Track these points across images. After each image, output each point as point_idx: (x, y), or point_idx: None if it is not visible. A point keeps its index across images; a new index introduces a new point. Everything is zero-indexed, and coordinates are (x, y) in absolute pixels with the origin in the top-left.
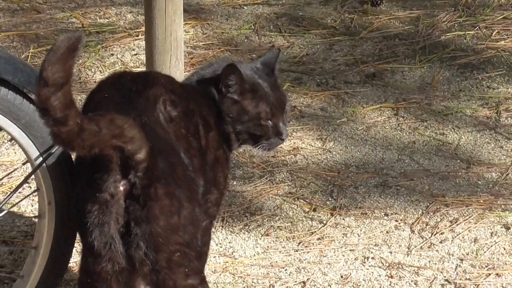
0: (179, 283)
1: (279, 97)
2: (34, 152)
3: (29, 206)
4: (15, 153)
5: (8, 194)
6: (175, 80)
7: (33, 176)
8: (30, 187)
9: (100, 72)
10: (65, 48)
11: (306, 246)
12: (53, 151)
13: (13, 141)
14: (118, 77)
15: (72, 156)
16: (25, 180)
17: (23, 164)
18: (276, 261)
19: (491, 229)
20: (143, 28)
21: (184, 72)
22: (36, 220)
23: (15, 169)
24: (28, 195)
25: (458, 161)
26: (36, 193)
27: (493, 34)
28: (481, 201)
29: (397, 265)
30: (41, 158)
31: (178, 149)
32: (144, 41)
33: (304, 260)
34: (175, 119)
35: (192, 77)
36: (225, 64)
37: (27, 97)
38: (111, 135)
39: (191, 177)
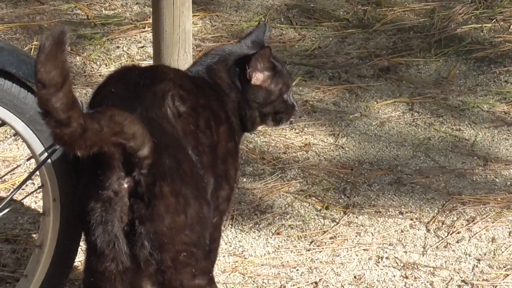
0: (186, 283)
1: (285, 68)
2: (38, 148)
3: (32, 203)
4: (18, 148)
5: (11, 191)
6: (184, 74)
7: (37, 172)
8: (34, 183)
9: (106, 65)
10: (52, 45)
11: (318, 246)
12: (58, 146)
13: (17, 136)
14: (126, 71)
15: None
16: (30, 177)
17: (27, 159)
18: (287, 261)
19: (509, 228)
20: (150, 20)
21: None
22: (41, 217)
23: (19, 165)
24: (32, 192)
25: (475, 158)
26: (41, 189)
27: (511, 27)
28: (499, 199)
29: (412, 265)
30: (46, 154)
31: (185, 145)
32: (151, 34)
33: (316, 259)
34: (183, 114)
35: (198, 67)
36: (245, 53)
37: (31, 90)
38: (111, 133)
39: (199, 174)
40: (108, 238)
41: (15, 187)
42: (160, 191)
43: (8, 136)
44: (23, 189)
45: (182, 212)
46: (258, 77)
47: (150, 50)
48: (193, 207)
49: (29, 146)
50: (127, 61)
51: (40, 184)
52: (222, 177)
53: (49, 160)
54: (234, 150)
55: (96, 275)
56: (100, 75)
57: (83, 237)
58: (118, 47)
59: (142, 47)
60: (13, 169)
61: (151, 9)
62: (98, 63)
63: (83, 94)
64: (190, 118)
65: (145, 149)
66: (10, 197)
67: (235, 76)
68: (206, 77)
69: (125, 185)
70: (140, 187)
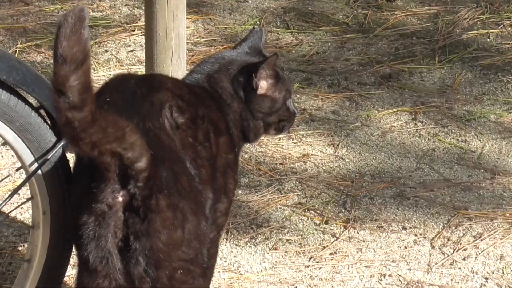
0: None
1: (285, 74)
2: (28, 158)
3: (18, 215)
4: (2, 156)
5: (0, 203)
6: (183, 83)
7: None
8: (19, 194)
9: (94, 69)
10: (75, 20)
11: (317, 262)
12: (49, 156)
13: (5, 145)
14: (122, 80)
15: (70, 163)
16: (19, 188)
17: (16, 170)
18: (285, 278)
19: None
20: (139, 23)
21: (187, 71)
22: (30, 231)
23: (8, 176)
24: (21, 204)
25: (482, 170)
26: (29, 201)
27: None
28: (507, 214)
29: (416, 283)
30: (36, 164)
31: (183, 158)
32: (141, 37)
33: (316, 276)
34: (181, 126)
35: (197, 76)
36: (247, 62)
37: (22, 98)
38: (114, 136)
39: (197, 188)
40: (101, 254)
41: (5, 198)
42: (156, 205)
43: None
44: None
45: (179, 227)
46: (263, 86)
47: (140, 54)
48: (191, 222)
49: (18, 156)
50: (116, 65)
51: (29, 196)
52: (221, 191)
53: (39, 171)
54: (234, 162)
55: None
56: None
57: (74, 251)
58: (106, 50)
59: (132, 51)
60: (3, 179)
61: (140, 11)
62: None
63: None
64: (189, 130)
65: (142, 161)
66: None
67: (238, 86)
68: (206, 86)
69: (120, 199)
70: (136, 200)
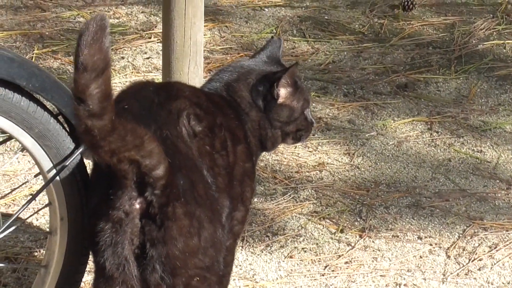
0: None
1: (303, 84)
2: (47, 164)
3: (34, 220)
4: (18, 162)
5: (19, 209)
6: (201, 91)
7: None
8: (35, 200)
9: None
10: (96, 29)
11: (333, 270)
12: (67, 163)
13: (23, 151)
14: (140, 88)
15: (88, 169)
16: (37, 194)
17: (35, 176)
18: (301, 286)
19: None
20: (156, 30)
21: (203, 78)
22: (47, 236)
23: (26, 182)
24: (39, 210)
25: (497, 181)
26: (47, 207)
27: None
28: None
29: None
30: (54, 170)
31: (200, 166)
32: (157, 44)
33: (331, 285)
34: (199, 134)
35: (215, 84)
36: (267, 71)
37: (41, 104)
38: (133, 144)
39: (214, 196)
40: (118, 260)
41: (15, 203)
42: (173, 212)
43: (8, 150)
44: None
45: (196, 235)
46: (283, 95)
47: (156, 61)
48: (208, 230)
49: (37, 163)
50: (132, 72)
51: (46, 202)
52: (238, 199)
53: (57, 177)
54: (251, 171)
55: None
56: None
57: (90, 257)
58: (122, 57)
59: (148, 58)
60: (21, 185)
61: (157, 19)
62: None
63: None
64: (206, 139)
65: (160, 169)
66: (17, 215)
67: (258, 95)
68: (225, 94)
69: (137, 206)
70: (153, 208)
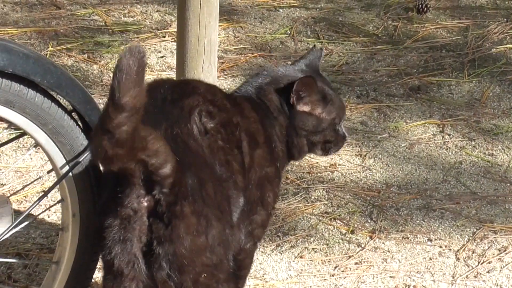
0: None
1: (339, 98)
2: (60, 160)
3: (45, 217)
4: (31, 159)
5: (31, 204)
6: (219, 90)
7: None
8: (47, 196)
9: None
10: (138, 66)
11: (342, 271)
12: (81, 159)
13: (37, 147)
14: (156, 85)
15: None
16: (50, 190)
17: (48, 172)
18: (310, 286)
19: None
20: (170, 29)
21: (217, 78)
22: (59, 233)
23: (39, 178)
24: (51, 206)
25: (508, 184)
26: (60, 204)
27: None
28: None
29: None
30: (67, 167)
31: (212, 162)
32: (171, 43)
33: (341, 285)
34: (210, 131)
35: (247, 87)
36: (297, 78)
37: (55, 101)
38: (138, 148)
39: (224, 193)
40: (128, 258)
41: (27, 199)
42: (181, 211)
43: (21, 146)
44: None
45: (203, 233)
46: (304, 104)
47: (170, 60)
48: (216, 229)
49: (50, 159)
50: (146, 71)
51: (58, 199)
52: (257, 202)
53: (70, 174)
54: (274, 175)
55: None
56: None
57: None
58: None
59: (162, 57)
60: (35, 180)
61: (172, 18)
62: None
63: (100, 105)
64: (219, 135)
65: (167, 168)
66: (29, 211)
67: (284, 100)
68: (255, 97)
69: (145, 204)
70: (160, 206)
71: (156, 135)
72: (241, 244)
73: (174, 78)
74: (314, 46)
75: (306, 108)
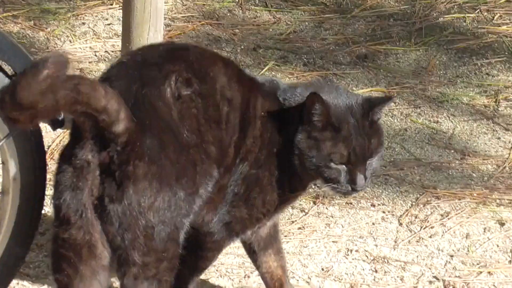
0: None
1: (365, 145)
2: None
3: None
4: None
5: None
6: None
7: None
8: None
9: (70, 41)
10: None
11: (285, 236)
12: None
13: None
14: (153, 46)
15: (42, 130)
16: None
17: None
18: None
19: (484, 224)
20: None
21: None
22: None
23: None
24: None
25: (452, 151)
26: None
27: (495, 18)
28: (475, 194)
29: (383, 259)
30: (7, 130)
31: (179, 127)
32: (118, 11)
33: (283, 250)
34: (185, 97)
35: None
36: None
37: None
38: (71, 100)
39: (190, 159)
40: (76, 206)
41: None
42: (133, 171)
43: None
44: None
45: (152, 196)
46: (308, 124)
47: (117, 27)
48: (168, 193)
49: None
50: (92, 38)
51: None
52: (241, 197)
53: (10, 137)
54: (267, 182)
55: (60, 241)
56: (63, 52)
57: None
58: (83, 23)
59: (109, 24)
60: None
61: None
62: (62, 39)
63: None
64: (193, 103)
65: (119, 126)
66: None
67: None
68: (281, 99)
69: (99, 158)
70: (113, 163)
71: (105, 93)
72: (208, 223)
73: (120, 46)
74: (389, 95)
75: (312, 128)
